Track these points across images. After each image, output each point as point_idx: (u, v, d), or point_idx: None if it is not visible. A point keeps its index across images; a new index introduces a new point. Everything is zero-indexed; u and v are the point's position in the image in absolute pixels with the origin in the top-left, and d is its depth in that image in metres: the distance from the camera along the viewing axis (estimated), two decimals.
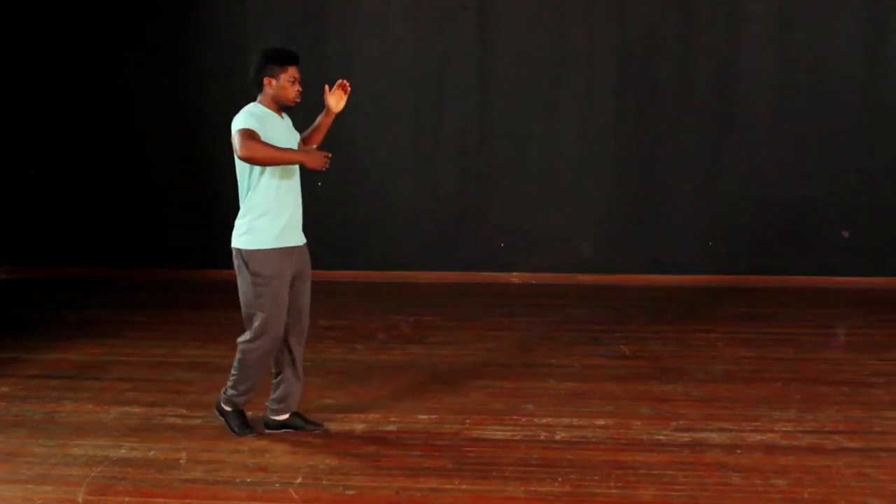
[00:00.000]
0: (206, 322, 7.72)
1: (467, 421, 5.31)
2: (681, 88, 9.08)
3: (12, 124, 9.68)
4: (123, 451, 4.89)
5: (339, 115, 5.20)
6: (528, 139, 9.24)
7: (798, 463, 4.67)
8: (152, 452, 4.87)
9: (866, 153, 8.96)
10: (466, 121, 9.29)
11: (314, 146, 5.13)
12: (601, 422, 5.28)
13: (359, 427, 5.23)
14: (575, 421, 5.30)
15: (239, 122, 4.67)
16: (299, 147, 4.97)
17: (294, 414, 5.14)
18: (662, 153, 9.16)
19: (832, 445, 4.91)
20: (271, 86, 4.81)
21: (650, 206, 9.22)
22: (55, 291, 9.13)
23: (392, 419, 5.36)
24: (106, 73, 9.49)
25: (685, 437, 5.04)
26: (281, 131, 4.84)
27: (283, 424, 5.12)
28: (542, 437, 5.06)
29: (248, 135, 4.59)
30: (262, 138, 4.62)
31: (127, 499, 4.33)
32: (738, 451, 4.82)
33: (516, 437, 5.06)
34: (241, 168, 4.80)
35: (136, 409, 5.55)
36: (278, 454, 4.84)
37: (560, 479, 4.48)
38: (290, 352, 5.03)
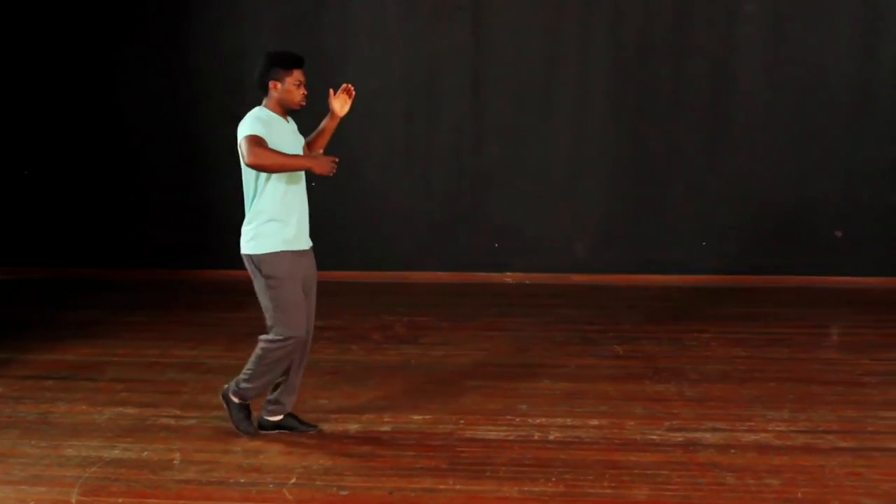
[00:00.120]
0: (200, 323, 7.72)
1: (461, 421, 5.31)
2: (675, 89, 9.08)
3: (6, 124, 9.66)
4: (117, 451, 4.89)
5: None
6: (523, 139, 9.24)
7: (791, 463, 4.68)
8: (146, 453, 4.87)
9: (860, 153, 8.97)
10: (461, 121, 9.29)
11: (320, 151, 5.13)
12: (595, 422, 5.29)
13: (353, 427, 5.23)
14: (569, 421, 5.30)
15: (245, 128, 4.66)
16: (304, 151, 4.97)
17: (288, 415, 5.13)
18: (656, 153, 9.16)
19: (826, 445, 4.92)
20: (276, 89, 4.81)
21: (644, 207, 9.22)
22: (49, 292, 9.11)
23: (386, 419, 5.36)
24: (101, 74, 9.47)
25: (679, 436, 5.04)
26: (286, 135, 4.84)
27: (277, 425, 5.12)
28: (535, 437, 5.07)
29: (256, 141, 4.58)
30: (269, 143, 4.61)
31: (120, 500, 4.32)
32: (732, 451, 4.83)
33: (510, 438, 5.07)
34: (247, 174, 4.79)
35: (130, 410, 5.54)
36: (272, 455, 4.84)
37: (554, 479, 4.49)
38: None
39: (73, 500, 4.31)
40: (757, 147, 9.04)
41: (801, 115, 8.96)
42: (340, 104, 5.12)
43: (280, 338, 4.85)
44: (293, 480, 4.50)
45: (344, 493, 4.37)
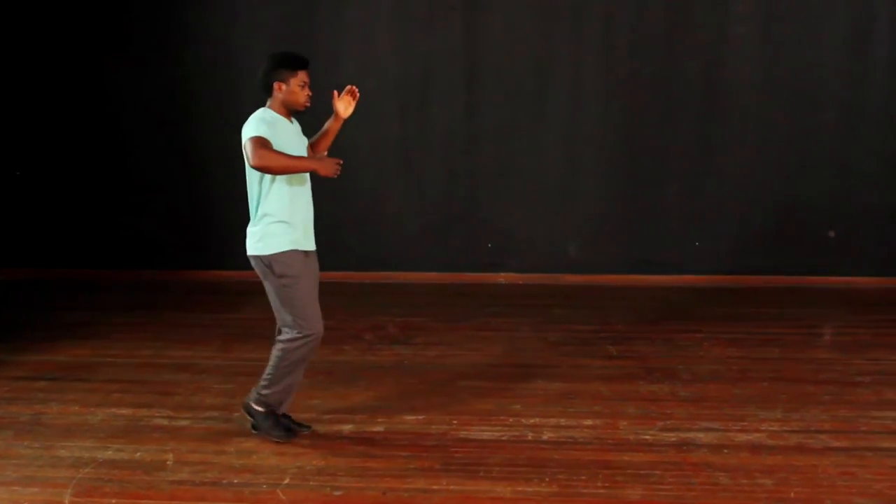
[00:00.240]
0: (193, 324, 7.70)
1: (454, 421, 5.32)
2: (667, 89, 9.08)
3: None
4: (110, 452, 4.88)
5: (328, 116, 5.20)
6: (515, 139, 9.24)
7: (784, 462, 4.69)
8: (139, 454, 4.87)
9: (852, 153, 8.98)
10: (453, 121, 9.29)
11: (324, 152, 5.14)
12: (588, 422, 5.29)
13: (346, 428, 5.23)
14: (562, 421, 5.31)
15: (250, 130, 4.65)
16: (308, 153, 4.97)
17: (282, 415, 5.13)
18: (649, 153, 9.16)
19: (818, 445, 4.93)
20: (281, 90, 4.81)
21: (637, 207, 9.22)
22: (42, 293, 9.08)
23: (379, 420, 5.36)
24: (92, 74, 9.44)
25: (672, 436, 5.05)
26: (291, 137, 4.83)
27: None
28: (529, 438, 5.07)
29: (261, 143, 4.57)
30: (274, 144, 4.60)
31: (114, 500, 4.32)
32: (725, 451, 4.84)
33: (504, 438, 5.07)
34: (252, 175, 4.79)
35: (123, 411, 5.54)
36: (265, 455, 4.83)
37: (547, 480, 4.49)
38: None
39: (66, 501, 4.30)
40: (750, 147, 9.05)
41: (794, 114, 8.96)
42: (344, 106, 5.11)
43: (299, 336, 4.84)
44: (286, 481, 4.50)
45: (337, 493, 4.37)
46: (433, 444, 4.98)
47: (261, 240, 4.80)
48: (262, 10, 9.20)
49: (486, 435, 5.11)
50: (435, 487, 4.42)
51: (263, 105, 4.85)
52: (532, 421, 5.31)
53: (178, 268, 9.53)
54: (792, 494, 4.31)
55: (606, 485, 4.43)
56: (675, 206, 9.19)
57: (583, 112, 9.17)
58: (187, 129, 9.38)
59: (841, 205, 9.03)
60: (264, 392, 4.97)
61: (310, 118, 5.14)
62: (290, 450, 4.90)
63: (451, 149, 9.34)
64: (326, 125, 5.18)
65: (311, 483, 4.48)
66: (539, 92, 9.17)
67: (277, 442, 4.95)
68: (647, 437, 5.06)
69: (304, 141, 5.00)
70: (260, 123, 4.68)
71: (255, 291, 8.24)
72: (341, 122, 5.16)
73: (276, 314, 4.97)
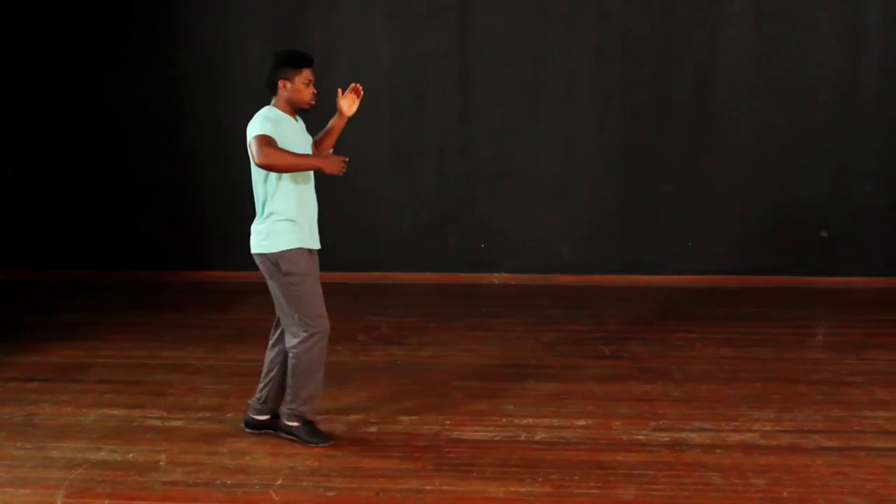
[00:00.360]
0: (186, 324, 7.69)
1: (447, 422, 5.32)
2: (661, 89, 9.08)
3: None
4: (103, 453, 4.88)
5: (322, 116, 5.20)
6: (509, 140, 9.24)
7: (777, 462, 4.70)
8: (132, 455, 4.86)
9: (845, 153, 9.00)
10: (447, 121, 9.28)
11: (329, 150, 5.15)
12: (581, 422, 5.30)
13: (339, 428, 5.22)
14: (555, 421, 5.31)
15: (255, 128, 4.65)
16: (312, 151, 4.97)
17: (276, 416, 5.12)
18: (643, 154, 9.17)
19: (811, 445, 4.94)
20: (286, 88, 4.80)
21: (631, 207, 9.23)
22: (34, 293, 9.05)
23: (372, 420, 5.36)
24: (86, 74, 9.42)
25: (665, 436, 5.06)
26: (296, 134, 4.84)
27: (264, 425, 5.11)
28: (522, 438, 5.08)
29: (266, 141, 4.57)
30: (279, 142, 4.60)
31: (106, 501, 4.32)
32: (718, 451, 4.85)
33: (496, 438, 5.08)
34: (257, 174, 4.78)
35: (116, 412, 5.53)
36: (258, 456, 4.83)
37: (540, 480, 4.50)
38: (286, 355, 5.01)
39: (59, 502, 4.30)
40: (743, 148, 9.06)
41: (787, 115, 8.98)
42: (349, 104, 5.13)
43: (307, 335, 4.84)
44: (279, 481, 4.50)
45: (330, 494, 4.37)
46: (426, 445, 4.98)
47: (267, 237, 4.80)
48: (257, 10, 9.19)
49: (479, 435, 5.12)
50: (428, 488, 4.42)
51: (268, 104, 4.86)
52: (525, 421, 5.32)
53: (171, 269, 9.51)
54: (785, 494, 4.32)
55: (599, 485, 4.44)
56: (669, 207, 9.20)
57: (577, 112, 9.17)
58: (180, 129, 9.35)
59: (834, 205, 9.04)
60: (293, 406, 4.97)
61: (312, 117, 5.15)
62: (283, 450, 4.90)
63: (444, 149, 9.33)
64: (331, 123, 5.20)
65: (303, 484, 4.48)
66: (533, 92, 9.17)
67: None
68: (640, 437, 5.06)
69: (309, 139, 5.00)
70: (265, 121, 4.68)
71: (250, 292, 8.30)
72: (346, 119, 5.17)
73: (279, 314, 4.97)
